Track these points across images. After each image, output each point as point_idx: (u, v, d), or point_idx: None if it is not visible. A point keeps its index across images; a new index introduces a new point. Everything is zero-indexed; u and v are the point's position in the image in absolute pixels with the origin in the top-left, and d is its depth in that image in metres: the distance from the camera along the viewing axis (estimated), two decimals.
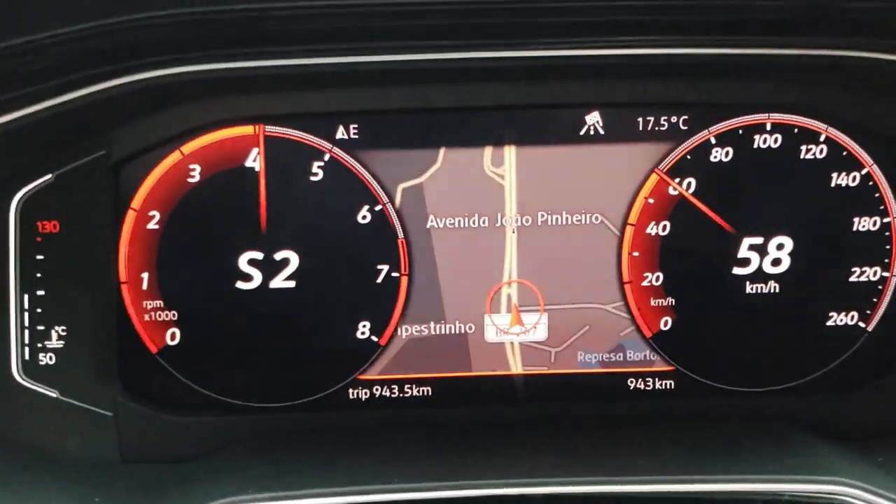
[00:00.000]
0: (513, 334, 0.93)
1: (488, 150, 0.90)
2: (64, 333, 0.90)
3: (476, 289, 0.93)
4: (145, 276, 0.90)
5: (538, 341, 0.94)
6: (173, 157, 0.89)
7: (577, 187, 0.91)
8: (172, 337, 0.91)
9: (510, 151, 0.90)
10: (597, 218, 0.92)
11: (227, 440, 0.91)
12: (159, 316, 0.91)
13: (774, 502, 0.78)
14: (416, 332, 0.93)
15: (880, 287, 0.93)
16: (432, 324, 0.93)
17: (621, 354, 0.94)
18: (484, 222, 0.91)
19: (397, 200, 0.90)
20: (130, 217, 0.89)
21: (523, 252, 0.92)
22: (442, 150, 0.90)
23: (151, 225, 0.89)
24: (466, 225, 0.91)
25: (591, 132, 0.90)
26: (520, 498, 0.79)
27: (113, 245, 0.89)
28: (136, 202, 0.89)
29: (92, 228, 0.89)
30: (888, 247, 0.93)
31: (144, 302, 0.91)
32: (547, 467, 0.83)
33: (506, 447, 0.89)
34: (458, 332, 0.93)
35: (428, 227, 0.91)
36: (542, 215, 0.92)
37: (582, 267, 0.93)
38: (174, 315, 0.91)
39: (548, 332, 0.94)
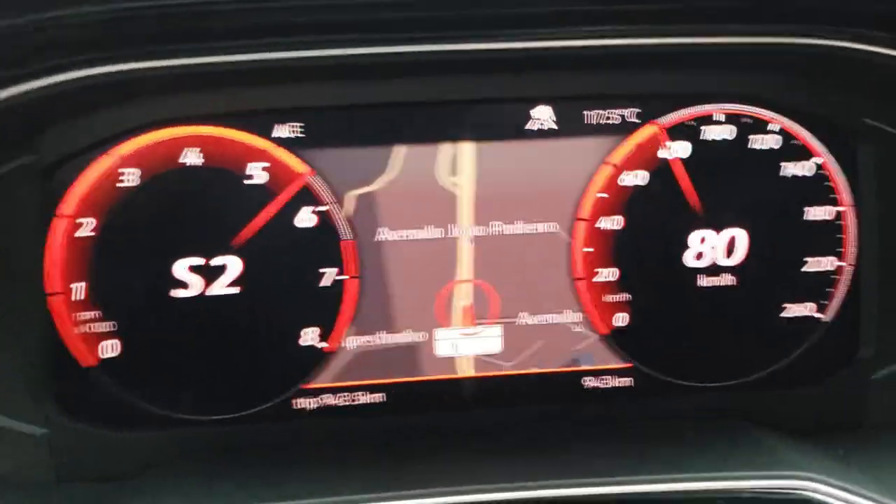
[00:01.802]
0: (464, 349, 0.91)
1: (442, 159, 0.88)
2: None
3: (427, 290, 0.90)
4: (81, 286, 0.86)
5: (491, 354, 0.91)
6: (106, 161, 0.84)
7: (530, 186, 0.89)
8: (107, 349, 0.87)
9: (464, 159, 0.88)
10: (554, 226, 0.89)
11: (168, 455, 0.87)
12: (94, 328, 0.87)
13: (736, 500, 0.76)
14: (366, 342, 0.90)
15: (835, 277, 0.92)
16: (383, 333, 0.90)
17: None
18: (438, 233, 0.89)
19: (349, 207, 0.87)
20: (59, 224, 0.85)
21: (478, 258, 0.89)
22: (395, 158, 0.87)
23: (83, 232, 0.85)
24: (419, 237, 0.89)
25: (542, 126, 0.88)
26: None
27: (40, 254, 0.85)
28: (67, 208, 0.85)
29: (19, 238, 0.84)
30: (842, 236, 0.92)
31: (79, 314, 0.86)
32: (502, 473, 0.80)
33: (461, 454, 0.86)
34: (409, 342, 0.90)
35: (378, 237, 0.88)
36: (497, 225, 0.89)
37: (537, 274, 0.90)
38: (112, 326, 0.87)
39: (502, 345, 0.91)
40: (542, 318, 0.91)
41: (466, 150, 0.88)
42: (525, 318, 0.91)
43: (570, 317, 0.91)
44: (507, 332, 0.91)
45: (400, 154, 0.87)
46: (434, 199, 0.88)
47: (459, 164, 0.88)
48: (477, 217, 0.89)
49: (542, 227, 0.89)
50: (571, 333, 0.92)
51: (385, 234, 0.88)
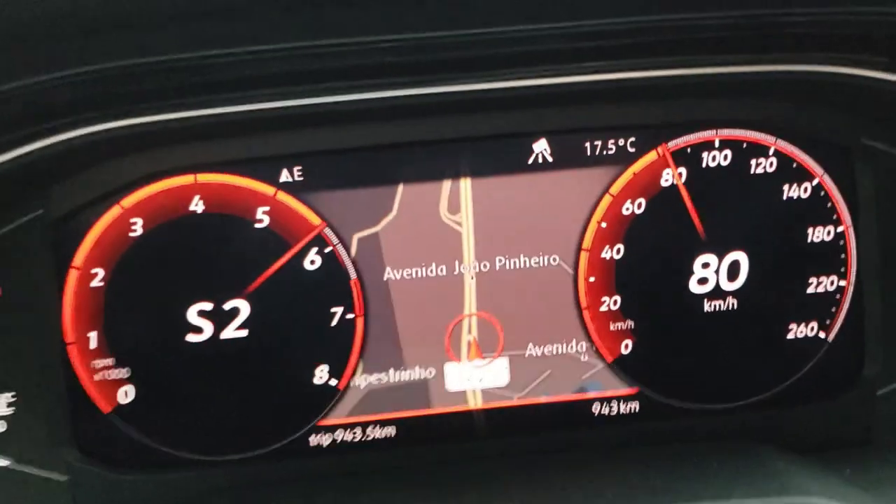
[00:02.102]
0: (474, 380, 0.92)
1: (444, 197, 0.89)
2: (13, 399, 0.87)
3: (435, 325, 0.91)
4: (93, 335, 0.88)
5: (499, 387, 0.92)
6: (113, 212, 0.86)
7: (531, 219, 0.90)
8: (125, 395, 0.89)
9: (465, 195, 0.89)
10: (554, 259, 0.90)
11: (187, 497, 0.89)
12: (110, 374, 0.88)
13: None
14: (376, 381, 0.91)
15: (838, 296, 0.93)
16: (392, 371, 0.91)
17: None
18: (442, 270, 0.90)
19: (355, 247, 0.89)
20: (73, 276, 0.87)
21: (482, 293, 0.91)
22: (396, 200, 0.88)
23: (95, 282, 0.87)
24: (424, 275, 0.90)
25: (540, 160, 0.89)
26: None
27: (57, 305, 0.87)
28: (78, 260, 0.86)
29: (34, 290, 0.86)
30: (843, 256, 0.92)
31: (94, 361, 0.88)
32: (513, 502, 0.82)
33: (473, 483, 0.88)
34: (418, 378, 0.92)
35: (385, 276, 0.89)
36: (500, 260, 0.90)
37: (542, 306, 0.91)
38: (126, 372, 0.89)
39: (509, 378, 0.92)
40: (550, 349, 0.92)
41: (467, 188, 0.89)
42: (532, 350, 0.92)
43: (577, 346, 0.92)
44: (515, 365, 0.92)
45: (402, 194, 0.88)
46: (438, 238, 0.89)
47: (461, 201, 0.89)
48: (479, 253, 0.90)
49: (544, 261, 0.90)
50: (579, 363, 0.93)
51: (391, 274, 0.89)
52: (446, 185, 0.89)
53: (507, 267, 0.91)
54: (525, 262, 0.91)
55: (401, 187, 0.88)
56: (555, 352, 0.92)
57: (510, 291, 0.91)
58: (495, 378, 0.93)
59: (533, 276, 0.91)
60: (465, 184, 0.89)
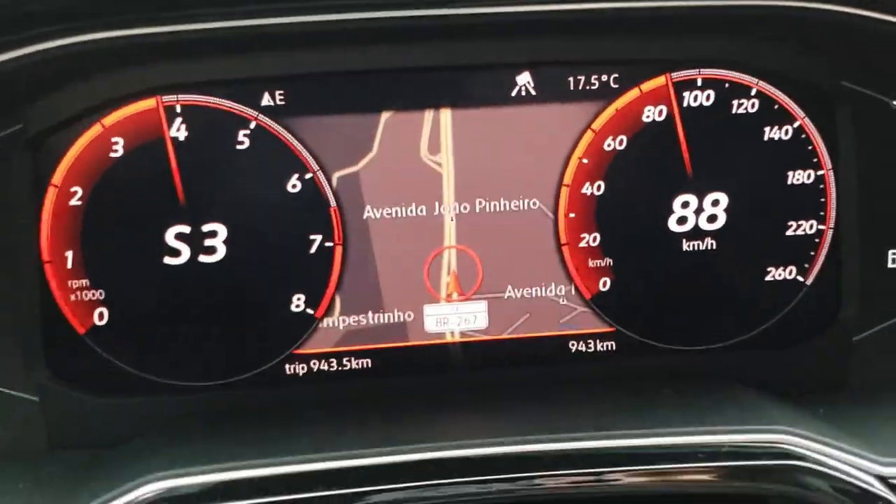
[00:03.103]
0: (452, 323, 0.92)
1: (424, 137, 0.89)
2: None
3: (414, 257, 0.91)
4: (69, 254, 0.87)
5: (478, 329, 0.92)
6: (94, 131, 0.86)
7: (512, 156, 0.90)
8: (100, 317, 0.88)
9: (446, 135, 0.89)
10: (534, 203, 0.91)
11: (160, 421, 0.88)
12: (86, 295, 0.88)
13: (716, 453, 0.77)
14: (354, 322, 0.91)
15: (817, 240, 0.93)
16: (370, 313, 0.91)
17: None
18: (422, 211, 0.90)
19: (335, 184, 0.88)
20: (52, 193, 0.86)
21: (462, 232, 0.91)
22: (377, 139, 0.88)
23: (74, 201, 0.86)
24: (404, 214, 0.90)
25: (523, 93, 0.89)
26: (461, 460, 0.77)
27: (34, 223, 0.86)
28: (57, 178, 0.86)
29: (11, 206, 0.85)
30: (822, 199, 0.93)
31: (69, 281, 0.88)
32: (488, 430, 0.82)
33: (447, 414, 0.88)
34: (396, 320, 0.92)
35: (365, 214, 0.89)
36: (480, 202, 0.90)
37: (521, 245, 0.91)
38: (101, 294, 0.88)
39: (488, 321, 0.92)
40: (528, 292, 0.92)
41: (447, 126, 0.89)
42: (511, 292, 0.92)
43: (556, 289, 0.92)
44: (494, 307, 0.92)
45: (383, 133, 0.88)
46: (418, 178, 0.89)
47: (441, 141, 0.89)
48: (459, 194, 0.90)
49: (524, 204, 0.90)
50: (557, 306, 0.93)
51: (371, 212, 0.89)
52: (427, 123, 0.89)
53: (487, 209, 0.91)
54: (505, 204, 0.91)
55: (381, 125, 0.88)
56: (534, 294, 0.92)
57: (490, 231, 0.91)
58: (474, 321, 0.93)
59: (513, 218, 0.91)
60: (446, 120, 0.89)
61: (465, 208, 0.91)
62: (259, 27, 0.80)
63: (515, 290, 0.92)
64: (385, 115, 0.88)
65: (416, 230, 0.90)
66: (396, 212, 0.90)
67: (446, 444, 0.78)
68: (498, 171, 0.90)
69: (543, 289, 0.92)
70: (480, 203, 0.90)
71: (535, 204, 0.90)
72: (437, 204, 0.90)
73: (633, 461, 0.77)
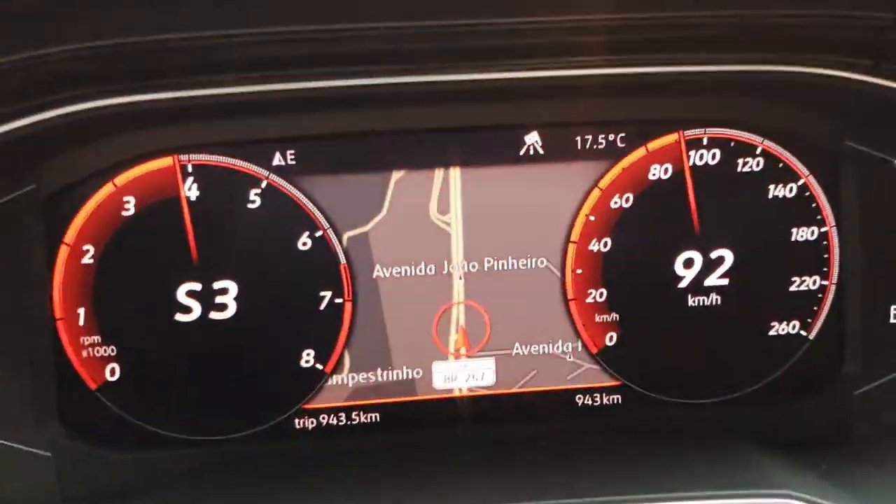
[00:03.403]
0: (461, 380, 0.93)
1: (434, 197, 0.90)
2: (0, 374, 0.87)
3: (423, 312, 0.92)
4: (81, 311, 0.88)
5: (486, 386, 0.93)
6: (106, 190, 0.87)
7: (520, 213, 0.91)
8: (112, 373, 0.89)
9: (455, 195, 0.90)
10: (542, 262, 0.92)
11: (172, 476, 0.89)
12: (97, 352, 0.89)
13: None
14: (363, 378, 0.92)
15: (820, 295, 0.95)
16: (379, 370, 0.92)
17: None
18: (431, 270, 0.91)
19: (346, 242, 0.89)
20: (64, 252, 0.87)
21: (471, 289, 0.92)
22: (387, 200, 0.89)
23: (86, 259, 0.87)
24: (413, 273, 0.91)
25: (531, 152, 0.90)
26: None
27: (47, 281, 0.87)
28: (70, 236, 0.87)
29: (24, 265, 0.86)
30: (826, 255, 0.94)
31: (81, 338, 0.88)
32: (496, 489, 0.83)
33: (455, 470, 0.89)
34: (405, 377, 0.92)
35: (374, 275, 0.90)
36: (489, 261, 0.91)
37: (529, 302, 0.92)
38: (112, 350, 0.89)
39: (496, 378, 0.93)
40: (536, 349, 0.93)
41: (456, 186, 0.90)
42: (519, 349, 0.93)
43: (563, 346, 0.93)
44: (501, 365, 0.93)
45: (392, 193, 0.89)
46: (427, 238, 0.90)
47: (450, 201, 0.90)
48: (468, 253, 0.91)
49: (532, 262, 0.91)
50: (564, 363, 0.94)
51: (380, 271, 0.90)
52: (436, 183, 0.90)
53: (496, 268, 0.92)
54: (513, 263, 0.92)
55: (391, 186, 0.89)
56: (541, 351, 0.94)
57: (498, 287, 0.92)
58: (482, 378, 0.93)
59: (521, 275, 0.92)
60: (455, 180, 0.90)
61: (473, 267, 0.92)
62: (273, 91, 0.81)
63: (523, 347, 0.93)
64: (395, 176, 0.89)
65: (425, 287, 0.91)
66: (406, 271, 0.91)
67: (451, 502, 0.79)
68: (506, 230, 0.91)
69: (551, 346, 0.93)
70: (489, 262, 0.91)
71: (542, 262, 0.91)
72: (445, 263, 0.91)
73: None
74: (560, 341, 0.93)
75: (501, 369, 0.93)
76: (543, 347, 0.93)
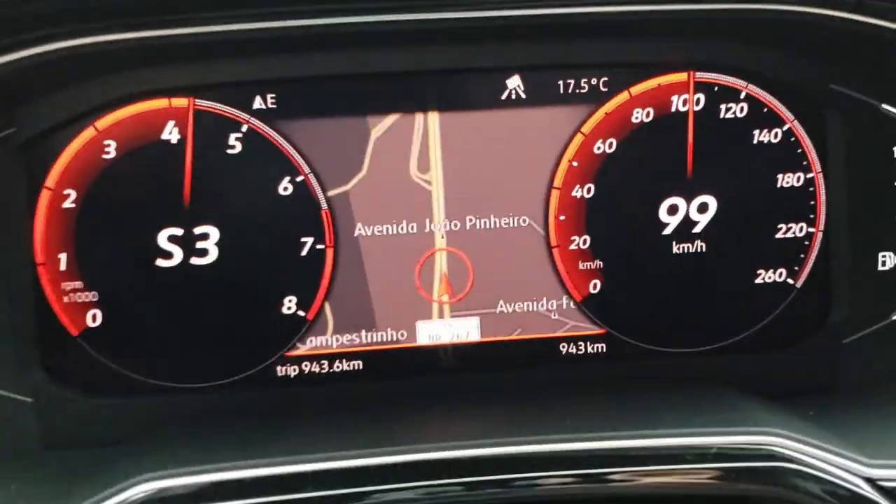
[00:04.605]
0: (445, 338, 0.93)
1: (414, 155, 0.90)
2: None
3: (405, 258, 0.91)
4: (63, 256, 0.88)
5: (471, 342, 0.93)
6: (87, 134, 0.87)
7: (502, 161, 0.90)
8: (94, 318, 0.89)
9: (435, 151, 0.90)
10: (524, 220, 0.91)
11: (153, 421, 0.89)
12: (79, 297, 0.89)
13: (704, 455, 0.77)
14: (348, 341, 0.92)
15: (807, 243, 0.94)
16: (363, 332, 0.92)
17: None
18: (413, 228, 0.91)
19: (326, 192, 0.89)
20: (45, 196, 0.87)
21: (453, 241, 0.91)
22: (367, 158, 0.89)
23: (67, 204, 0.87)
24: (395, 232, 0.91)
25: (513, 96, 0.90)
26: (450, 462, 0.77)
27: (27, 226, 0.87)
28: (51, 181, 0.87)
29: (5, 210, 0.86)
30: (812, 202, 0.93)
31: (63, 283, 0.88)
32: (477, 432, 0.82)
33: (438, 416, 0.88)
34: (388, 338, 0.92)
35: (356, 232, 0.90)
36: (471, 219, 0.91)
37: (512, 251, 0.92)
38: (94, 296, 0.89)
39: (480, 337, 0.93)
40: (521, 306, 0.92)
41: (436, 137, 0.89)
42: (503, 307, 0.92)
43: (549, 304, 0.93)
44: (486, 323, 0.93)
45: (372, 151, 0.89)
46: (408, 197, 0.90)
47: (430, 159, 0.90)
48: (450, 212, 0.91)
49: (514, 221, 0.91)
50: (550, 321, 0.93)
51: (362, 230, 0.90)
52: (416, 139, 0.90)
53: (478, 227, 0.91)
54: (495, 222, 0.91)
55: (371, 145, 0.89)
56: (525, 309, 0.93)
57: (480, 236, 0.91)
58: (466, 336, 0.93)
59: (503, 231, 0.92)
60: (435, 130, 0.89)
61: (455, 225, 0.91)
62: (252, 31, 0.81)
63: (507, 305, 0.92)
64: (374, 134, 0.89)
65: (407, 236, 0.91)
66: (387, 229, 0.90)
67: (436, 445, 0.78)
68: (487, 183, 0.90)
69: (535, 303, 0.92)
70: (471, 220, 0.91)
71: (524, 221, 0.91)
72: (427, 221, 0.91)
73: (621, 462, 0.77)
74: (545, 298, 0.93)
75: (486, 328, 0.93)
76: (528, 305, 0.93)
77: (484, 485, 0.77)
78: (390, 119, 0.89)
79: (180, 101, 0.87)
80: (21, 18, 0.77)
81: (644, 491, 0.78)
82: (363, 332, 0.92)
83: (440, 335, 0.93)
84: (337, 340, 0.92)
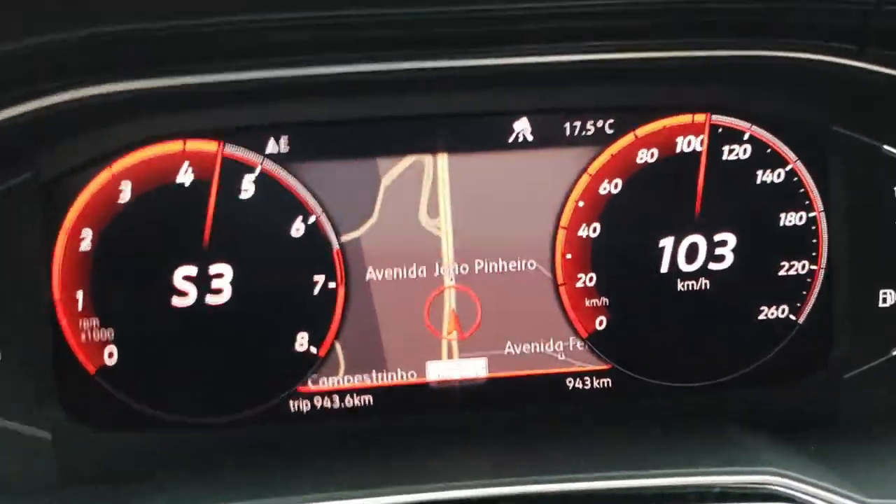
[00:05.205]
0: (454, 384, 0.95)
1: (423, 201, 0.91)
2: (0, 357, 0.89)
3: (415, 296, 0.93)
4: (80, 294, 0.90)
5: (479, 378, 0.95)
6: (103, 176, 0.89)
7: (510, 200, 0.92)
8: (110, 356, 0.91)
9: (444, 198, 0.91)
10: (531, 264, 0.93)
11: (168, 457, 0.91)
12: (95, 335, 0.91)
13: (706, 495, 0.79)
14: (359, 380, 0.94)
15: (809, 280, 0.95)
16: (374, 372, 0.93)
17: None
18: (422, 273, 0.93)
19: (337, 230, 0.91)
20: (62, 237, 0.89)
21: (462, 282, 0.93)
22: (377, 204, 0.91)
23: (84, 244, 0.89)
24: (405, 276, 0.92)
25: (520, 139, 0.92)
26: (458, 502, 0.79)
27: (45, 265, 0.89)
28: (67, 222, 0.89)
29: (23, 251, 0.88)
30: (815, 240, 0.95)
31: (80, 321, 0.90)
32: (487, 469, 0.84)
33: (448, 452, 0.90)
34: (399, 379, 0.94)
35: (367, 278, 0.92)
36: (479, 263, 0.93)
37: (520, 289, 0.93)
38: (110, 334, 0.91)
39: (487, 383, 0.94)
40: (528, 347, 0.94)
41: (445, 180, 0.91)
42: (511, 348, 0.94)
43: (556, 345, 0.94)
44: (494, 364, 0.94)
45: (383, 198, 0.91)
46: (417, 243, 0.92)
47: (440, 205, 0.92)
48: (458, 256, 0.92)
49: (522, 265, 0.93)
50: (557, 362, 0.95)
51: (373, 275, 0.92)
52: (426, 184, 0.92)
53: (486, 270, 0.93)
54: (503, 266, 0.93)
55: (381, 191, 0.91)
56: (533, 350, 0.95)
57: (489, 284, 0.93)
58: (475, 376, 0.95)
59: (511, 276, 0.93)
60: (444, 175, 0.91)
61: (464, 269, 0.93)
62: (268, 79, 0.83)
63: (515, 346, 0.94)
64: (385, 182, 0.91)
65: (416, 267, 0.93)
66: (398, 273, 0.92)
67: (444, 484, 0.80)
68: (496, 222, 0.92)
69: (542, 344, 0.94)
70: (479, 264, 0.93)
71: (532, 265, 0.93)
72: (437, 265, 0.93)
73: (625, 502, 0.79)
74: (552, 339, 0.94)
75: (494, 369, 0.95)
76: (535, 346, 0.95)
77: None
78: (401, 165, 0.91)
79: (195, 144, 0.89)
80: (36, 69, 0.79)
81: None
82: (373, 372, 0.94)
83: (449, 375, 0.95)
84: (348, 381, 0.94)
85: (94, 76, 0.81)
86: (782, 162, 0.93)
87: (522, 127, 0.91)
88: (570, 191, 0.92)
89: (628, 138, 0.92)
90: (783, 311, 0.96)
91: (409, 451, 0.90)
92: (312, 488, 0.82)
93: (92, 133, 0.87)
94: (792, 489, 0.79)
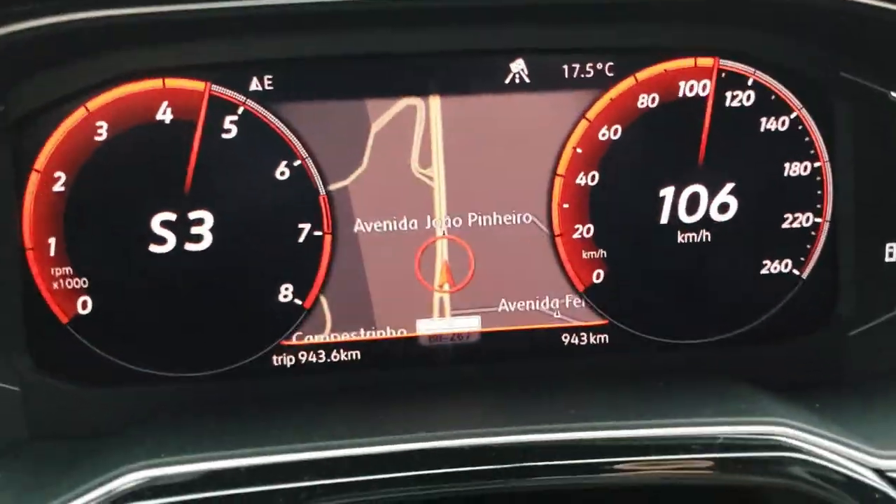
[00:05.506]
0: (445, 341, 0.91)
1: (415, 149, 0.88)
2: None
3: (405, 247, 0.89)
4: (52, 241, 0.85)
5: (471, 343, 0.92)
6: (78, 115, 0.84)
7: (505, 146, 0.88)
8: (84, 305, 0.87)
9: (437, 146, 0.88)
10: (527, 217, 0.89)
11: (144, 411, 0.86)
12: (69, 283, 0.86)
13: (709, 446, 0.75)
14: (345, 337, 0.90)
15: (813, 233, 0.92)
16: (361, 330, 0.90)
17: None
18: (413, 225, 0.89)
19: (324, 176, 0.87)
20: (34, 179, 0.84)
21: (454, 228, 0.90)
22: (367, 152, 0.87)
23: (57, 187, 0.85)
24: (395, 228, 0.89)
25: (517, 80, 0.88)
26: (449, 451, 0.75)
27: (16, 209, 0.85)
28: (40, 163, 0.84)
29: None
30: (819, 192, 0.92)
31: (52, 269, 0.86)
32: (478, 421, 0.81)
33: (437, 406, 0.86)
34: (388, 335, 0.90)
35: (356, 229, 0.88)
36: (473, 216, 0.89)
37: (514, 240, 0.90)
38: (84, 282, 0.86)
39: (481, 337, 0.91)
40: (522, 305, 0.91)
41: (438, 125, 0.87)
42: (505, 305, 0.91)
43: (551, 303, 0.91)
44: (487, 322, 0.91)
45: (373, 145, 0.87)
46: (409, 193, 0.88)
47: (432, 153, 0.88)
48: (451, 208, 0.89)
49: (517, 218, 0.89)
50: (552, 320, 0.91)
51: (362, 226, 0.88)
52: (418, 131, 0.88)
53: (480, 223, 0.90)
54: (498, 218, 0.90)
55: (371, 139, 0.87)
56: (528, 308, 0.91)
57: (483, 237, 0.90)
58: (467, 338, 0.91)
59: (506, 229, 0.90)
60: (436, 121, 0.87)
61: (457, 223, 0.89)
62: (250, 8, 0.79)
63: (509, 304, 0.90)
64: (375, 128, 0.87)
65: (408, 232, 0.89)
66: (387, 226, 0.88)
67: (434, 434, 0.76)
68: (490, 171, 0.88)
69: (538, 301, 0.91)
70: (473, 217, 0.89)
71: (527, 218, 0.89)
72: (428, 218, 0.89)
73: (627, 452, 0.75)
74: (547, 296, 0.91)
75: (487, 326, 0.91)
76: (530, 304, 0.91)
77: (484, 474, 0.75)
78: (392, 110, 0.87)
79: (175, 82, 0.84)
80: None
81: (649, 481, 0.77)
82: (361, 330, 0.90)
83: (441, 330, 0.91)
84: (334, 337, 0.90)
85: (69, 4, 0.77)
86: (787, 109, 0.90)
87: (519, 67, 0.87)
88: (568, 137, 0.89)
89: (629, 82, 0.88)
90: (786, 266, 0.92)
91: (397, 404, 0.86)
92: (295, 441, 0.78)
93: (65, 69, 0.83)
94: (799, 440, 0.76)
